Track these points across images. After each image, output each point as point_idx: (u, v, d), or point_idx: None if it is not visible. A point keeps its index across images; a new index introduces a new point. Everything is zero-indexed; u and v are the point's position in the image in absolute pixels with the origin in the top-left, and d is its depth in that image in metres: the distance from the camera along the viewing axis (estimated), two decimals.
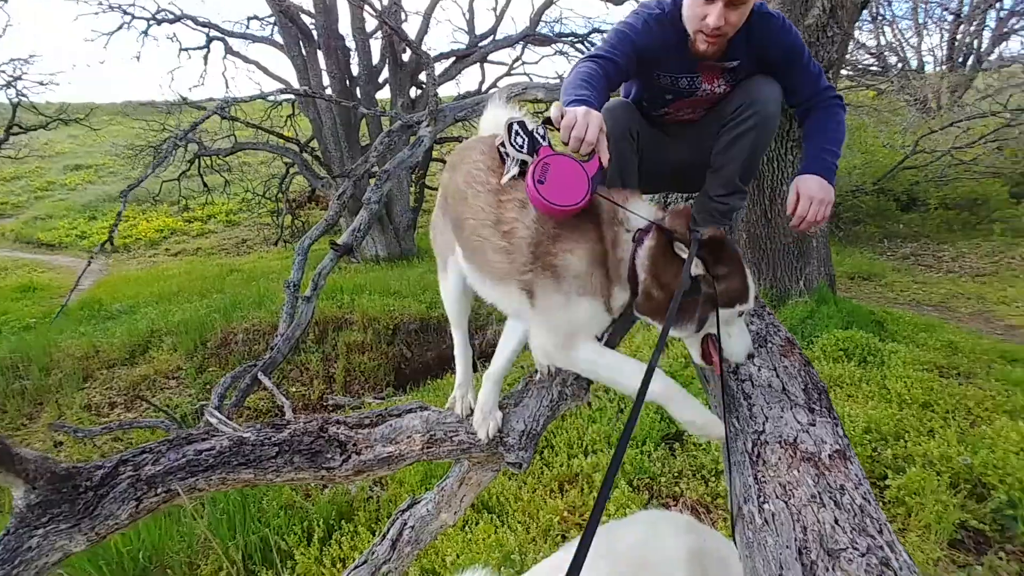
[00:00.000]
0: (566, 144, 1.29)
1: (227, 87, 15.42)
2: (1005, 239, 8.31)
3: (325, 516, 2.43)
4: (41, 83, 13.50)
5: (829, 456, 1.16)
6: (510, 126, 1.24)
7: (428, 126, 4.28)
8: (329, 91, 12.21)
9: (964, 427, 3.01)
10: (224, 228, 17.65)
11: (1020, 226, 8.45)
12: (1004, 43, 14.23)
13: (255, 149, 14.18)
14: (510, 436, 1.46)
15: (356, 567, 1.65)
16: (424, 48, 13.12)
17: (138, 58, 15.46)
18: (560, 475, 2.67)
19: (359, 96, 12.35)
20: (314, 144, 13.71)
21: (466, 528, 2.33)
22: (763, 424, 1.28)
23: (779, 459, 1.17)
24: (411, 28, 12.89)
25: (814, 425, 1.24)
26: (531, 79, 14.06)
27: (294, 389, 5.60)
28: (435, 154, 16.73)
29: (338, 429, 1.35)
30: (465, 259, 1.38)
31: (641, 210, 1.25)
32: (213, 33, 13.24)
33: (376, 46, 12.99)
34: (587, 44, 14.22)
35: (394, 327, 6.42)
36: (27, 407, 5.23)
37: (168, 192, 14.50)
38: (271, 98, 11.69)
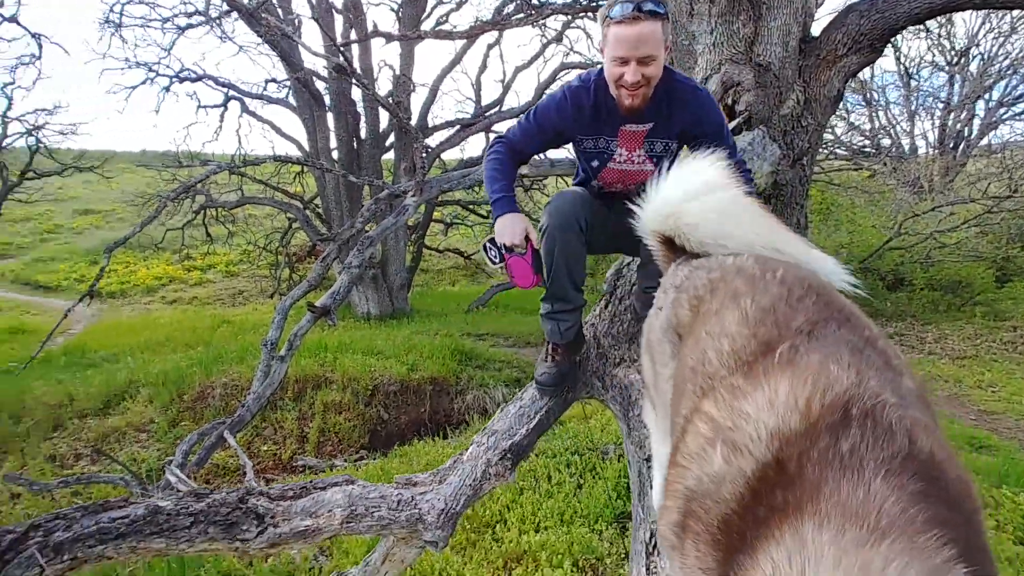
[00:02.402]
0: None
1: (240, 143, 16.08)
2: (987, 323, 8.41)
3: None
4: (62, 132, 14.06)
5: None
6: (485, 248, 1.81)
7: (414, 196, 4.45)
8: (336, 152, 12.73)
9: None
10: (223, 278, 17.84)
11: (1002, 310, 8.57)
12: (993, 131, 14.91)
13: (260, 203, 14.57)
14: (429, 514, 1.49)
15: None
16: (431, 115, 13.72)
17: (157, 112, 16.19)
18: (508, 552, 2.63)
19: (363, 158, 12.82)
20: (318, 201, 14.11)
21: None
22: None
23: None
24: (419, 98, 13.46)
25: None
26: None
27: (265, 448, 5.54)
28: (436, 215, 17.25)
29: (259, 501, 1.39)
30: None
31: None
32: (232, 93, 13.85)
33: (385, 113, 13.61)
34: None
35: (373, 387, 6.42)
36: None
37: (171, 240, 14.78)
38: (268, 161, 12.24)
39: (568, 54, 13.33)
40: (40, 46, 11.00)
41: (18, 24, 11.60)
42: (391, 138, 13.50)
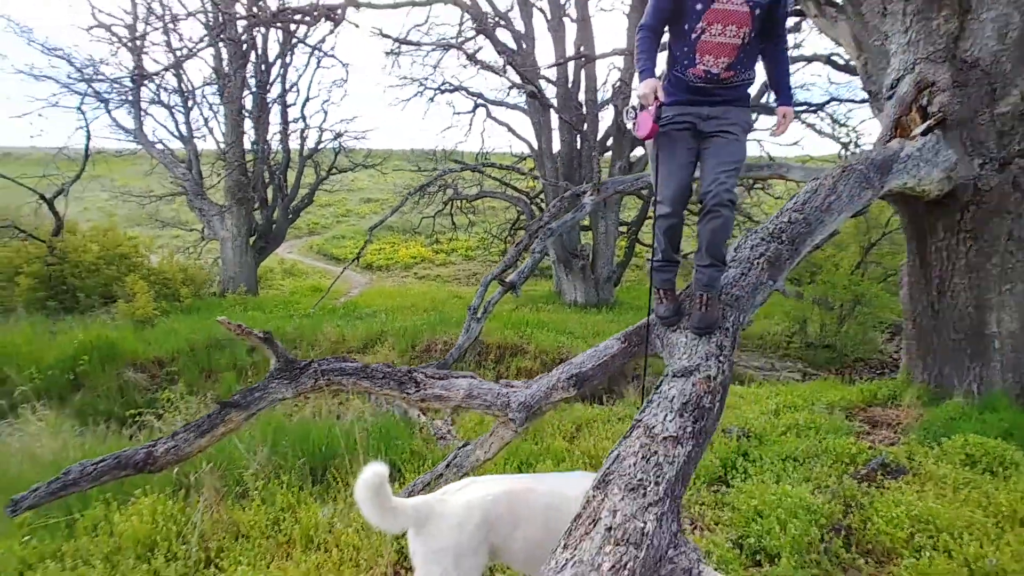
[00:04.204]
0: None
1: (483, 143, 18.68)
2: None
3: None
4: (356, 137, 18.02)
5: (664, 437, 1.80)
6: (626, 111, 2.41)
7: (591, 196, 5.25)
8: (559, 151, 14.12)
9: None
10: (462, 261, 20.77)
11: None
12: None
13: (495, 197, 16.73)
14: (514, 403, 2.33)
15: (424, 475, 2.65)
16: None
17: (423, 118, 19.60)
18: None
19: (583, 157, 13.94)
20: (542, 197, 15.71)
21: None
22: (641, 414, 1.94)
23: (637, 437, 1.85)
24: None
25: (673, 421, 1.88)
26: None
27: None
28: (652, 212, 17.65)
29: (417, 375, 2.39)
30: None
31: None
32: (479, 100, 16.18)
33: (605, 115, 14.61)
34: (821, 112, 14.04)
35: (559, 360, 7.38)
36: None
37: (425, 226, 17.81)
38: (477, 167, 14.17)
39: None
40: (347, 71, 14.30)
41: (334, 57, 15.22)
42: (611, 140, 14.39)
